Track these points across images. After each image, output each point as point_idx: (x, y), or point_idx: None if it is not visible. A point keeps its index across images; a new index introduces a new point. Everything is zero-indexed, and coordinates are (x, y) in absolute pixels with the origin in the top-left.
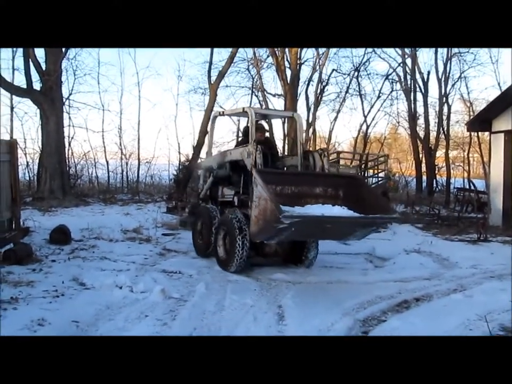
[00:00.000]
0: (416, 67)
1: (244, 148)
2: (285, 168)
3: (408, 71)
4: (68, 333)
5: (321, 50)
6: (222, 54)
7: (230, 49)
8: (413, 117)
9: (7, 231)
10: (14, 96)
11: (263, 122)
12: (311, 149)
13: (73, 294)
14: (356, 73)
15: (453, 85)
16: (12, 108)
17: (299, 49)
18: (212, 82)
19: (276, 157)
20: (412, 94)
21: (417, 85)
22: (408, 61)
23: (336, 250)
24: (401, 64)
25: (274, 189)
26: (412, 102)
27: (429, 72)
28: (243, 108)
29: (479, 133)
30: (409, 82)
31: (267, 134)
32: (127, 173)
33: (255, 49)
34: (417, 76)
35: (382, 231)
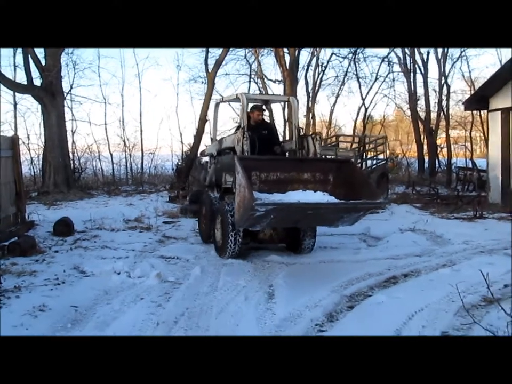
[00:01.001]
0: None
1: (235, 134)
2: (287, 154)
3: (408, 52)
4: (67, 317)
5: None
6: None
7: None
8: (413, 98)
9: (12, 225)
10: (16, 93)
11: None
12: (310, 132)
13: (73, 281)
14: (353, 56)
15: (452, 65)
16: (15, 105)
17: None
18: (210, 71)
19: (274, 140)
20: (412, 74)
21: (416, 66)
22: None
23: (331, 232)
24: None
25: (258, 175)
26: (412, 83)
27: (428, 52)
28: (236, 94)
29: (481, 111)
30: (408, 63)
31: (268, 120)
32: (130, 164)
33: None
34: (417, 56)
35: (379, 212)
